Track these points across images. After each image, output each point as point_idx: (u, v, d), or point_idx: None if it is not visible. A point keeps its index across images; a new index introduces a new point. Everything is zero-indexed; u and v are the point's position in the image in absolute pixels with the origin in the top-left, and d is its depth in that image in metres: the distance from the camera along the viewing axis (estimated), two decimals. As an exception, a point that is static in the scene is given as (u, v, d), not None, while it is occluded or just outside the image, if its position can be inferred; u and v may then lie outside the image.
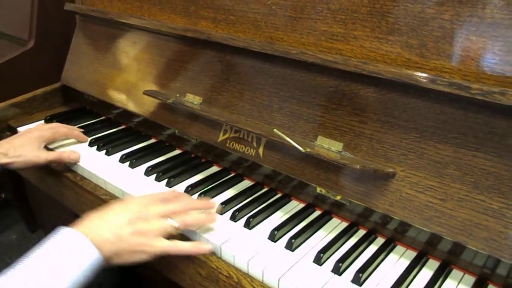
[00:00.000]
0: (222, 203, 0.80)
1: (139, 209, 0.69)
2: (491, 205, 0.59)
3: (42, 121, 1.13)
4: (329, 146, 0.73)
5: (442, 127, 0.64)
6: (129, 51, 1.05)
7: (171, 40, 0.98)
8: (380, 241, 0.73)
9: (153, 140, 1.06)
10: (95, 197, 0.89)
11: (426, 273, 0.66)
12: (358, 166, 0.66)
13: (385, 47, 0.71)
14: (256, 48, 0.80)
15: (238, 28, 0.88)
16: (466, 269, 0.67)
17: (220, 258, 0.71)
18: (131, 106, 1.02)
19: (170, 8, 0.99)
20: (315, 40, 0.78)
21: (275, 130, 0.75)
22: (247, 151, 0.83)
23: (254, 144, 0.82)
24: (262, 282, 0.67)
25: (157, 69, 0.99)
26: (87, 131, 1.08)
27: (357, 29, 0.73)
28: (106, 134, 1.08)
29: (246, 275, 0.68)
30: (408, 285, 0.64)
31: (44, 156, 0.90)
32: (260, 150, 0.81)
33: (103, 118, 1.17)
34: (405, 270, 0.66)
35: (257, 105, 0.83)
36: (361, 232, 0.75)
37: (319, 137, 0.75)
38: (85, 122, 1.14)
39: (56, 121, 1.12)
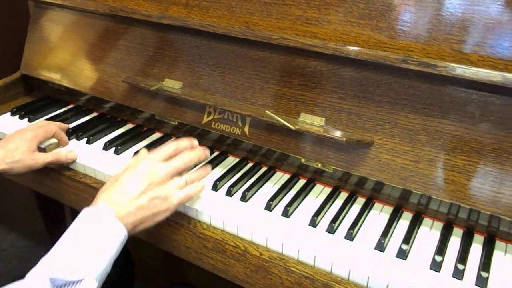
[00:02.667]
0: (216, 181, 0.86)
1: (150, 174, 0.72)
2: (456, 163, 0.72)
3: (11, 116, 1.11)
4: (312, 122, 0.82)
5: (412, 99, 0.75)
6: (100, 38, 1.06)
7: (144, 26, 0.99)
8: (361, 200, 0.84)
9: (130, 125, 1.09)
10: (86, 186, 0.92)
11: (403, 224, 0.78)
12: (344, 139, 0.75)
13: (357, 30, 0.79)
14: (237, 34, 0.85)
15: (212, 14, 0.92)
16: (435, 216, 0.79)
17: (224, 230, 0.79)
18: (107, 94, 1.04)
19: (138, -7, 1.01)
20: (290, 24, 0.84)
21: (267, 111, 0.82)
22: (233, 130, 0.90)
23: (240, 123, 0.89)
24: (266, 248, 0.75)
25: (132, 56, 1.01)
26: (60, 121, 1.08)
27: (330, 14, 0.81)
28: (82, 123, 1.09)
29: (251, 243, 0.76)
30: (391, 235, 0.76)
31: (41, 159, 0.89)
32: (246, 129, 0.88)
33: (72, 106, 1.17)
34: (386, 224, 0.77)
35: (239, 87, 0.89)
36: (344, 195, 0.85)
37: (302, 114, 0.83)
38: (55, 111, 1.14)
39: (24, 113, 1.12)
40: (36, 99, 1.20)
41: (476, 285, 0.66)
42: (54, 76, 1.13)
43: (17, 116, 1.11)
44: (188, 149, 0.79)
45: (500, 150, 0.69)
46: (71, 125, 1.06)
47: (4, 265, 1.78)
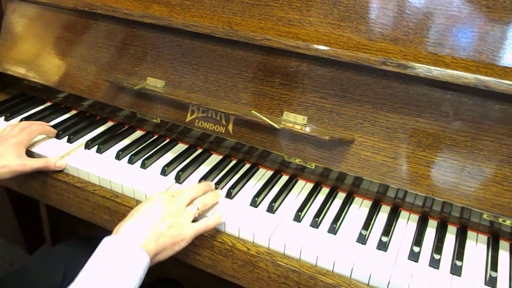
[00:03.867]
0: (201, 179, 0.88)
1: (166, 205, 0.74)
2: (431, 159, 0.76)
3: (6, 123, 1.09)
4: (295, 120, 0.84)
5: (390, 99, 0.79)
6: (78, 35, 1.05)
7: (125, 24, 0.99)
8: (341, 195, 0.87)
9: (111, 123, 1.08)
10: (69, 186, 0.92)
11: (382, 217, 0.83)
12: (327, 137, 0.79)
13: (337, 32, 0.82)
14: (220, 34, 0.87)
15: (194, 13, 0.93)
16: (411, 209, 0.84)
17: (211, 227, 0.81)
18: (87, 93, 1.03)
19: (117, -9, 1.00)
20: (272, 25, 0.86)
21: (253, 111, 0.84)
22: (217, 128, 0.91)
23: (223, 121, 0.91)
24: (253, 243, 0.78)
25: (112, 54, 1.01)
26: (39, 118, 1.07)
27: (311, 16, 0.83)
28: (61, 121, 1.08)
29: (239, 239, 0.79)
30: (371, 228, 0.80)
31: (29, 164, 0.88)
32: (230, 127, 0.90)
33: (49, 104, 1.16)
34: (366, 217, 0.81)
35: (222, 86, 0.91)
36: (325, 190, 0.88)
37: (285, 113, 0.85)
38: (33, 109, 1.13)
39: (0, 111, 1.10)
40: (11, 96, 1.18)
41: (451, 273, 0.71)
42: (31, 74, 1.11)
43: (-7, 115, 1.09)
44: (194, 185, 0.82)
45: (472, 147, 0.74)
46: (50, 124, 1.05)
47: (-25, 264, 1.74)
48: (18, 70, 1.13)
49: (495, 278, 0.70)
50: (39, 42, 1.10)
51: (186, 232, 0.73)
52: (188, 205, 0.77)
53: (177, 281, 1.04)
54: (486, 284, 0.70)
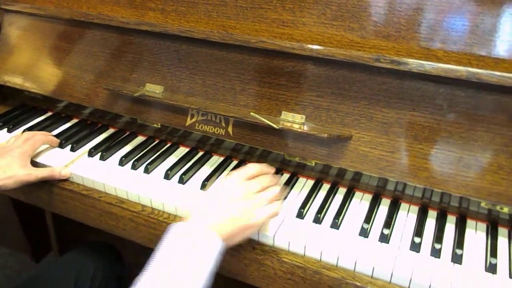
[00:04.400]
0: (204, 181, 0.90)
1: (237, 188, 0.74)
2: (428, 151, 0.78)
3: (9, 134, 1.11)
4: (293, 119, 0.86)
5: (385, 95, 0.80)
6: (76, 45, 1.06)
7: (121, 32, 1.01)
8: (342, 190, 0.89)
9: (112, 130, 1.10)
10: (75, 194, 0.94)
11: (383, 210, 0.84)
12: (325, 135, 0.80)
13: (330, 31, 0.84)
14: (216, 38, 0.88)
15: (189, 18, 0.95)
16: (411, 201, 0.86)
17: (216, 228, 0.83)
18: (87, 101, 1.05)
19: None
20: (267, 27, 0.88)
21: (251, 113, 0.86)
22: (217, 131, 0.93)
23: (223, 124, 0.92)
24: (258, 241, 0.80)
25: (110, 62, 1.02)
26: (41, 129, 1.09)
27: (305, 16, 0.85)
28: (63, 130, 1.09)
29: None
30: (373, 221, 0.81)
31: (35, 174, 0.90)
32: (230, 129, 0.92)
33: (50, 113, 1.18)
34: (367, 211, 0.83)
35: (220, 89, 0.92)
36: (326, 186, 0.90)
37: (283, 112, 0.87)
38: (34, 120, 1.14)
39: (2, 123, 1.11)
40: (12, 108, 1.19)
41: (452, 261, 0.73)
42: (30, 85, 1.12)
43: (-4, 127, 1.11)
44: (266, 174, 0.81)
45: (467, 138, 0.75)
46: (53, 133, 1.07)
47: (-17, 275, 1.76)
48: (18, 82, 1.14)
49: (495, 264, 0.72)
50: (37, 53, 1.11)
51: (256, 218, 0.72)
52: (258, 191, 0.76)
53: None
54: (486, 270, 0.72)
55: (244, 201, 0.73)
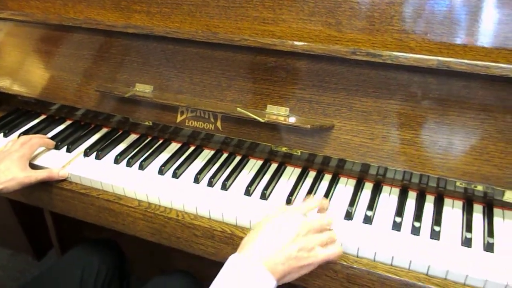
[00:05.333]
0: (196, 174, 0.95)
1: (296, 226, 0.72)
2: (405, 136, 0.83)
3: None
4: (278, 112, 0.91)
5: (363, 85, 0.85)
6: (66, 49, 1.09)
7: (109, 35, 1.04)
8: (328, 177, 0.94)
9: (105, 129, 1.14)
10: (74, 193, 0.98)
11: (366, 193, 0.90)
12: (308, 126, 0.85)
13: (309, 26, 0.88)
14: (201, 38, 0.92)
15: (174, 19, 0.98)
16: (391, 184, 0.91)
17: (210, 218, 0.88)
18: (80, 103, 1.09)
19: (98, 3, 1.05)
20: (249, 25, 0.92)
21: (238, 108, 0.90)
22: (206, 126, 0.98)
23: (212, 119, 0.97)
24: (251, 229, 0.85)
25: (100, 64, 1.06)
26: (36, 132, 1.13)
27: (284, 13, 0.89)
28: (58, 132, 1.13)
29: (237, 227, 0.86)
30: (357, 204, 0.87)
31: (34, 176, 0.93)
32: (218, 124, 0.96)
33: (44, 116, 1.21)
34: (352, 195, 0.89)
35: (208, 86, 0.97)
36: (313, 173, 0.95)
37: (268, 106, 0.92)
38: (29, 123, 1.18)
39: (-2, 128, 1.15)
40: (6, 113, 1.23)
41: (431, 238, 0.79)
42: (23, 89, 1.16)
43: (-8, 132, 1.14)
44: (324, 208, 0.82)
45: (440, 122, 0.81)
46: (48, 136, 1.11)
47: (-14, 276, 1.80)
48: (10, 87, 1.17)
49: (470, 238, 0.77)
50: (29, 58, 1.15)
51: (314, 256, 0.71)
52: (316, 231, 0.74)
53: (189, 272, 1.10)
54: (462, 245, 0.77)
55: (302, 240, 0.70)
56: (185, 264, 1.39)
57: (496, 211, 0.84)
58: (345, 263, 0.78)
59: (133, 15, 1.02)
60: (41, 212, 1.63)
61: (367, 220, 0.82)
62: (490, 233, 0.79)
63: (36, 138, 1.02)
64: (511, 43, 0.76)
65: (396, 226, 0.81)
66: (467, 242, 0.77)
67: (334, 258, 0.74)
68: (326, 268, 0.79)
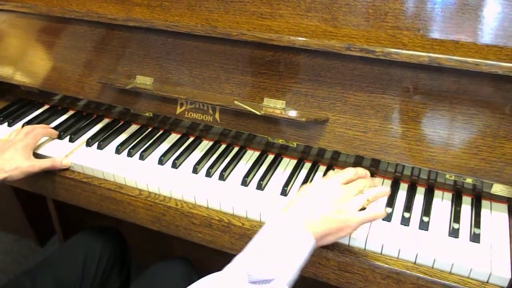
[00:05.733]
0: (195, 165, 0.98)
1: (334, 189, 0.75)
2: (398, 130, 0.85)
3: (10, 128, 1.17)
4: (274, 105, 0.93)
5: (357, 80, 0.87)
6: (68, 41, 1.12)
7: (111, 28, 1.06)
8: (322, 168, 0.97)
9: (107, 120, 1.17)
10: (77, 182, 1.01)
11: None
12: (304, 119, 0.88)
13: (306, 22, 0.90)
14: (200, 32, 0.94)
15: (174, 13, 1.00)
16: (384, 176, 0.94)
17: (208, 208, 0.91)
18: (83, 94, 1.11)
19: (99, -4, 1.07)
20: (247, 19, 0.94)
21: (235, 101, 0.92)
22: (205, 118, 1.00)
23: (210, 111, 0.99)
24: (247, 218, 0.88)
25: (102, 56, 1.08)
26: (39, 122, 1.16)
27: (281, 9, 0.91)
28: (61, 122, 1.16)
29: (234, 216, 0.89)
30: (350, 195, 0.90)
31: (38, 165, 0.96)
32: (217, 116, 0.99)
33: (48, 106, 1.24)
34: (345, 186, 0.92)
35: (206, 79, 0.99)
36: (308, 165, 0.98)
37: (265, 99, 0.94)
38: (32, 113, 1.21)
39: (3, 118, 1.18)
40: (10, 102, 1.26)
41: (419, 228, 0.82)
42: (27, 80, 1.18)
43: (-4, 122, 1.17)
44: (364, 177, 0.81)
45: (431, 117, 0.83)
46: (51, 125, 1.14)
47: (-9, 260, 1.85)
48: (14, 77, 1.20)
49: (457, 229, 0.80)
50: (32, 49, 1.17)
51: (352, 219, 0.72)
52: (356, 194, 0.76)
53: (187, 259, 1.14)
54: (449, 235, 0.80)
55: (340, 202, 0.73)
56: (185, 251, 1.43)
57: (484, 203, 0.87)
58: (337, 252, 0.81)
59: (134, 8, 1.04)
60: (44, 199, 1.67)
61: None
62: (477, 224, 0.82)
63: (40, 128, 1.05)
64: (501, 41, 0.78)
65: (387, 217, 0.84)
66: (454, 233, 0.80)
67: (373, 219, 0.76)
68: (319, 257, 0.83)
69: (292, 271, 0.66)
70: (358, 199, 0.75)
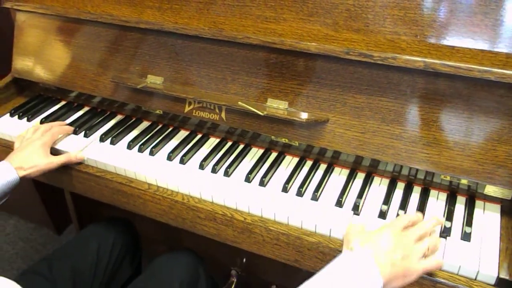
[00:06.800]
0: (202, 161, 1.02)
1: (400, 235, 0.74)
2: (394, 132, 0.89)
3: (10, 117, 1.24)
4: (277, 106, 0.97)
5: (357, 82, 0.91)
6: (83, 41, 1.17)
7: (123, 29, 1.11)
8: (323, 166, 1.01)
9: (120, 116, 1.22)
10: (90, 175, 1.07)
11: (358, 182, 0.96)
12: (304, 120, 0.92)
13: (308, 26, 0.94)
14: (207, 35, 0.99)
15: (183, 15, 1.05)
16: (382, 175, 0.98)
17: (213, 202, 0.96)
18: (97, 92, 1.17)
19: (114, -2, 1.12)
20: (252, 23, 0.98)
21: (239, 102, 0.97)
22: (212, 116, 1.05)
23: (217, 110, 1.04)
24: (249, 213, 0.93)
25: (115, 55, 1.14)
26: (56, 117, 1.22)
27: (285, 13, 0.95)
28: (76, 118, 1.22)
29: (236, 211, 0.93)
30: (348, 193, 0.94)
31: (55, 162, 1.02)
32: (223, 115, 1.03)
33: (64, 103, 1.30)
34: (344, 184, 0.95)
35: (213, 79, 1.04)
36: (309, 163, 1.02)
37: (269, 99, 0.98)
38: (50, 109, 1.27)
39: (22, 113, 1.24)
40: (29, 98, 1.32)
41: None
42: (45, 77, 1.24)
43: (16, 117, 1.24)
44: (420, 221, 0.80)
45: (427, 119, 0.86)
46: (67, 121, 1.20)
47: (11, 248, 1.94)
48: (33, 75, 1.26)
49: (449, 228, 0.84)
50: (49, 48, 1.23)
51: (416, 267, 0.72)
52: (417, 240, 0.75)
53: (193, 251, 1.19)
54: (441, 233, 0.84)
55: (405, 249, 0.72)
56: (193, 243, 1.48)
57: (478, 203, 0.90)
58: (332, 246, 0.85)
59: (145, 11, 1.09)
60: (61, 191, 1.74)
61: (355, 208, 0.89)
62: (469, 223, 0.85)
63: (57, 127, 1.11)
64: (495, 46, 0.81)
65: (382, 215, 0.88)
66: (446, 231, 0.83)
67: (435, 269, 0.76)
68: (315, 250, 0.87)
69: None
70: (421, 247, 0.74)
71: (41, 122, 1.20)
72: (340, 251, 0.82)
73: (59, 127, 1.11)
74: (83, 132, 1.15)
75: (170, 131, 1.14)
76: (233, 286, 1.41)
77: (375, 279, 0.67)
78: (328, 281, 0.68)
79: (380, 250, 0.70)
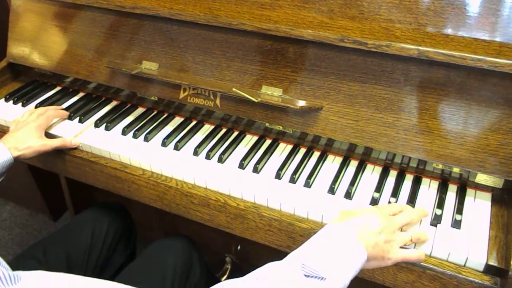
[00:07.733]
0: (196, 147, 1.03)
1: (386, 219, 0.76)
2: (387, 120, 0.89)
3: (5, 102, 1.24)
4: (272, 93, 0.97)
5: (351, 70, 0.91)
6: (78, 26, 1.17)
7: (119, 14, 1.11)
8: (316, 154, 1.02)
9: (115, 102, 1.22)
10: (84, 160, 1.07)
11: (350, 170, 0.97)
12: (298, 107, 0.92)
13: (303, 13, 0.93)
14: (202, 21, 0.99)
15: (179, 1, 1.04)
16: (375, 163, 0.98)
17: (207, 188, 0.96)
18: (92, 77, 1.17)
19: (109, -16, 1.11)
20: (248, 9, 0.98)
21: (234, 89, 0.97)
22: (207, 103, 1.05)
23: (212, 97, 1.04)
24: (242, 199, 0.93)
25: (110, 41, 1.13)
26: (51, 103, 1.22)
27: (280, 0, 0.95)
28: (72, 104, 1.22)
29: (230, 197, 0.94)
30: (341, 180, 0.94)
31: (49, 144, 1.03)
32: (218, 101, 1.04)
33: (59, 88, 1.30)
34: (337, 171, 0.96)
35: (208, 66, 1.04)
36: (303, 150, 1.03)
37: (263, 86, 0.98)
38: (45, 94, 1.27)
39: (17, 98, 1.24)
40: (24, 84, 1.32)
41: (404, 213, 0.86)
42: (40, 62, 1.24)
43: (11, 102, 1.23)
44: (409, 210, 0.82)
45: (420, 108, 0.87)
46: (62, 106, 1.20)
47: (7, 233, 1.95)
48: (28, 60, 1.26)
49: (440, 215, 0.84)
50: (44, 33, 1.22)
51: (394, 253, 0.74)
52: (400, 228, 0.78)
53: (188, 237, 1.19)
54: (432, 221, 0.84)
55: (389, 233, 0.74)
56: (188, 230, 1.49)
57: (469, 191, 0.91)
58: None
59: (141, -4, 1.08)
60: (57, 177, 1.74)
61: (348, 195, 0.90)
62: (459, 211, 0.86)
63: (52, 110, 1.11)
64: (489, 35, 0.81)
65: (373, 202, 0.88)
66: (437, 218, 0.84)
67: (415, 260, 0.78)
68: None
69: (343, 277, 0.66)
70: (403, 236, 0.77)
71: (36, 107, 1.20)
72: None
73: (55, 110, 1.12)
74: (78, 118, 1.15)
75: (165, 117, 1.15)
76: (227, 272, 1.42)
77: (361, 251, 0.69)
78: (317, 243, 0.70)
79: (366, 228, 0.73)
